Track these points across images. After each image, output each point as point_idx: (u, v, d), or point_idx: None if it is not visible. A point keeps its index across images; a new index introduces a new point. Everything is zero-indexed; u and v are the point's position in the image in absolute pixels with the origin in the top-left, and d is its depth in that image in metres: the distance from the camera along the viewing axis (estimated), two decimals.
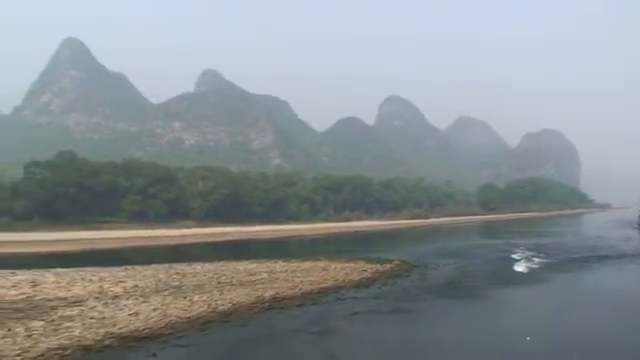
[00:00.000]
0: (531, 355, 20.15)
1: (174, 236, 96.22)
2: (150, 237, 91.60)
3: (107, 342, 19.57)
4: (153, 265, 42.51)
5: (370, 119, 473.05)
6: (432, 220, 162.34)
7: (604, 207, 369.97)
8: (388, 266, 43.34)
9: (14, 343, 18.40)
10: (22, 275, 35.41)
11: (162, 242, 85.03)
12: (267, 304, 27.58)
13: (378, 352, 20.70)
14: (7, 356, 17.04)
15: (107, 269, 39.57)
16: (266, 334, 22.36)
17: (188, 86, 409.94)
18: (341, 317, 25.83)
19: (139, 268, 40.38)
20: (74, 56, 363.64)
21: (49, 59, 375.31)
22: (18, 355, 17.19)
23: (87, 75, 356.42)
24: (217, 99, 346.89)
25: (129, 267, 40.82)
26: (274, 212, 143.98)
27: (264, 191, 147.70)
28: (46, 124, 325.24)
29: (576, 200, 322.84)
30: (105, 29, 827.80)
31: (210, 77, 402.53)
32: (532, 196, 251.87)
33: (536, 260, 51.32)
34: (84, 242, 79.96)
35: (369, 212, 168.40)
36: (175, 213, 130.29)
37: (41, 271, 37.87)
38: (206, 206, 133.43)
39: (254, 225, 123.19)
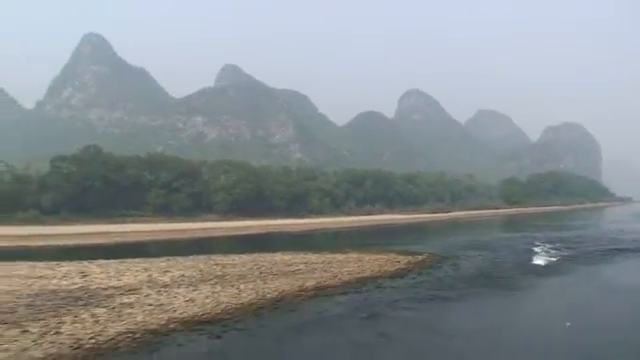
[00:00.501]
0: (577, 338, 20.97)
1: (201, 229, 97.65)
2: (177, 230, 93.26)
3: (172, 326, 20.72)
4: (191, 256, 43.75)
5: (390, 113, 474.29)
6: (454, 214, 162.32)
7: (625, 200, 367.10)
8: (420, 258, 44.31)
9: (84, 328, 19.51)
10: (68, 266, 36.70)
11: (190, 235, 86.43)
12: (311, 292, 28.65)
13: (426, 333, 21.75)
14: (82, 339, 18.14)
15: (148, 260, 40.96)
16: (317, 319, 23.39)
17: (208, 81, 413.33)
18: (384, 304, 26.80)
19: (179, 259, 41.66)
20: (95, 51, 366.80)
21: (70, 54, 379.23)
22: (91, 338, 18.31)
23: (108, 70, 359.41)
24: (237, 93, 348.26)
25: (170, 258, 42.07)
26: (296, 206, 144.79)
27: (286, 185, 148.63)
28: (68, 118, 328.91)
29: (597, 193, 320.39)
30: (123, 26, 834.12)
31: (230, 72, 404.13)
32: (553, 190, 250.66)
33: (561, 253, 51.82)
34: (115, 235, 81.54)
35: (390, 206, 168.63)
36: (198, 207, 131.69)
37: (84, 262, 39.17)
38: (229, 200, 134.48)
39: (276, 219, 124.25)
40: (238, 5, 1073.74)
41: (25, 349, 16.60)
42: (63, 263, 38.61)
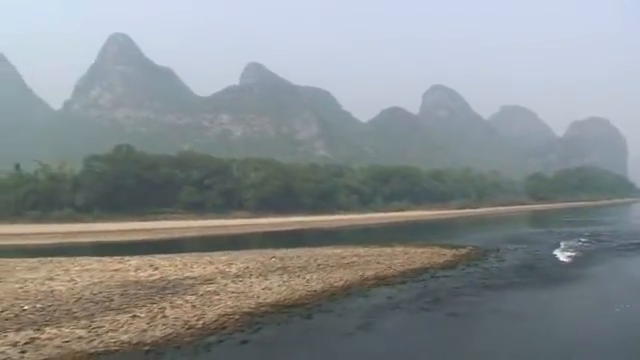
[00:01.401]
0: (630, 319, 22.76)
1: (239, 225, 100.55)
2: (218, 227, 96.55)
3: (263, 309, 22.55)
4: (243, 251, 46.05)
5: (414, 109, 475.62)
6: (481, 210, 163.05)
7: None
8: (463, 251, 45.85)
9: (185, 312, 21.36)
10: (134, 260, 38.74)
11: (230, 231, 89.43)
12: (373, 281, 30.23)
13: (493, 314, 23.56)
14: (189, 321, 20.05)
15: (206, 254, 43.04)
16: (388, 303, 25.17)
17: (232, 79, 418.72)
18: (443, 291, 28.49)
19: (234, 253, 43.70)
20: (121, 51, 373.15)
21: (97, 54, 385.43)
22: (198, 320, 20.21)
23: (135, 70, 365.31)
24: (262, 91, 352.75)
25: (226, 252, 44.20)
26: (324, 203, 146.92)
27: (315, 182, 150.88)
28: (96, 118, 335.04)
29: (624, 189, 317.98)
30: (145, 26, 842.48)
31: (254, 70, 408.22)
32: (580, 185, 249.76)
33: (596, 246, 52.96)
34: (159, 231, 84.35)
35: (417, 202, 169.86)
36: (229, 204, 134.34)
37: (146, 257, 41.21)
38: (259, 197, 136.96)
39: (305, 215, 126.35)
40: (258, 3, 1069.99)
41: (144, 330, 18.52)
42: (126, 257, 40.73)
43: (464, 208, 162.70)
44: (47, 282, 28.76)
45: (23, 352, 15.76)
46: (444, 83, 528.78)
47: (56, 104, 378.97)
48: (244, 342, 18.18)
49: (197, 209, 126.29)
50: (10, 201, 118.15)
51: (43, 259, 40.87)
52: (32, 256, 44.31)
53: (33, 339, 17.00)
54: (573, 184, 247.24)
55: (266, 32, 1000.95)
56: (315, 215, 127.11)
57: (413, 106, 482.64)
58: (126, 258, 40.29)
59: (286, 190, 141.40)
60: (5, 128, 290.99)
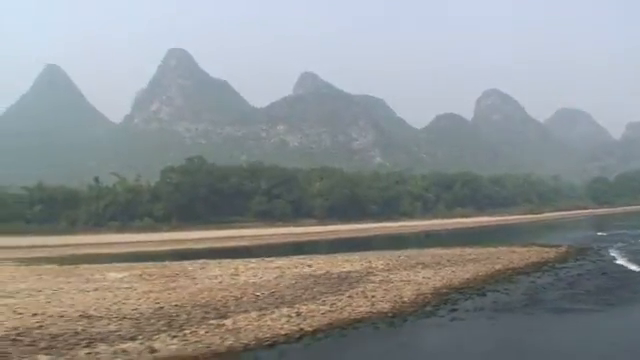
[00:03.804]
0: None
1: (319, 232, 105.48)
2: (298, 233, 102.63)
3: (442, 291, 26.97)
4: (359, 253, 49.47)
5: (467, 111, 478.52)
6: (546, 215, 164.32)
7: None
8: (563, 249, 49.44)
9: (384, 294, 25.60)
10: (281, 260, 42.56)
11: (314, 237, 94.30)
12: (507, 272, 34.28)
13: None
14: (395, 299, 24.49)
15: (336, 255, 46.85)
16: (535, 285, 29.84)
17: (286, 88, 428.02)
18: (572, 277, 32.95)
19: (359, 254, 47.02)
20: (180, 65, 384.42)
21: (156, 68, 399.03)
22: (400, 299, 24.68)
23: (193, 83, 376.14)
24: (317, 101, 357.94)
25: (351, 253, 48.11)
26: (388, 210, 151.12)
27: (379, 190, 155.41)
28: (157, 131, 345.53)
29: None
30: (200, 39, 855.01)
31: (308, 79, 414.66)
32: None
33: None
34: (247, 239, 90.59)
35: (479, 208, 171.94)
36: (297, 212, 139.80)
37: (285, 258, 45.36)
38: (326, 205, 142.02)
39: (373, 222, 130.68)
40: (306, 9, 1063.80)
41: (371, 304, 23.21)
42: (268, 259, 44.52)
43: (528, 213, 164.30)
44: (236, 277, 32.63)
45: (304, 319, 20.18)
46: (497, 86, 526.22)
47: (112, 116, 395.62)
48: (454, 310, 22.99)
49: (266, 217, 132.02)
50: (91, 212, 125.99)
51: (194, 262, 43.74)
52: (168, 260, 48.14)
53: (299, 313, 21.29)
54: (635, 187, 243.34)
55: (316, 42, 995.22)
56: (380, 222, 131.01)
57: (465, 108, 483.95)
58: (267, 259, 43.97)
59: (352, 198, 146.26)
60: (72, 142, 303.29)
